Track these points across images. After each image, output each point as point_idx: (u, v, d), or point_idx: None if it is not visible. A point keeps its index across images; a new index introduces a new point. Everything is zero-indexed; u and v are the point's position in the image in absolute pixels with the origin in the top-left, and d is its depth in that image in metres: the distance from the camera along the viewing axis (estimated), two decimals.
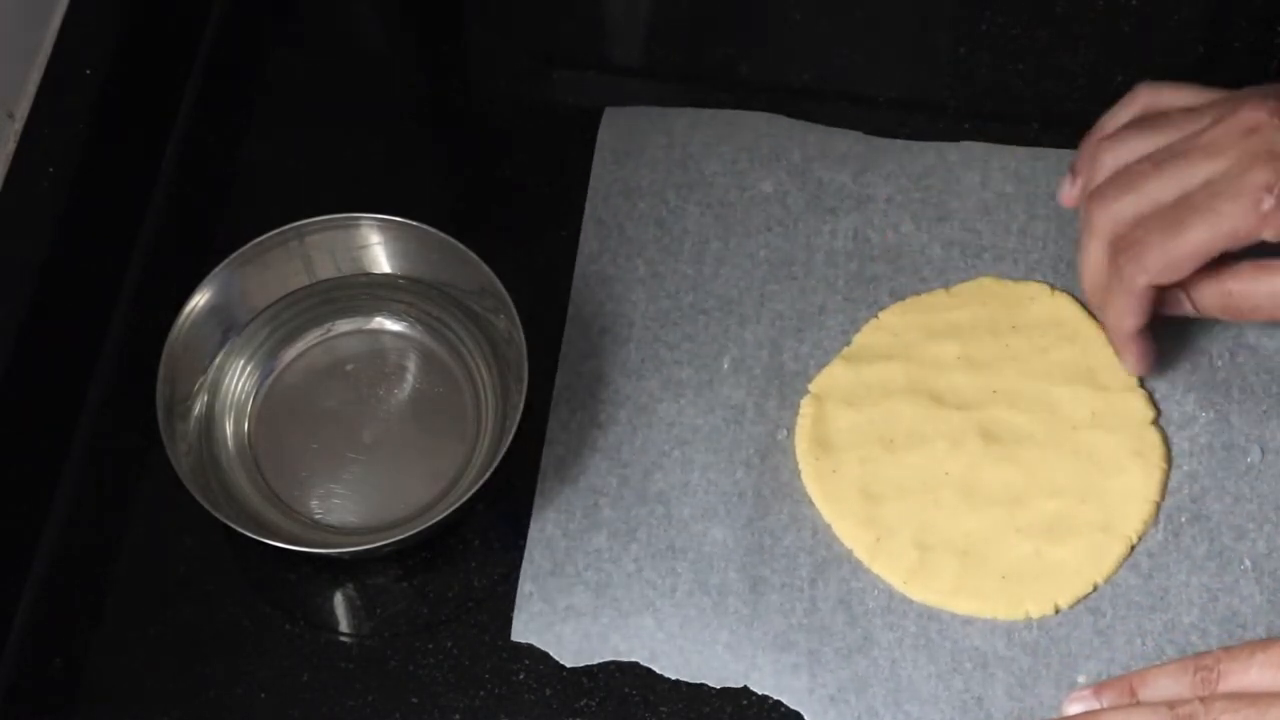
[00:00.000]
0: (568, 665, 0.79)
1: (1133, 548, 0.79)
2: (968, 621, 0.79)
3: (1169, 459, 0.81)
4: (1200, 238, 0.75)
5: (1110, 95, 0.89)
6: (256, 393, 0.84)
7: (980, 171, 0.87)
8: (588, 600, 0.79)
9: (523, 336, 0.80)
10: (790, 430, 0.82)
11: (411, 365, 0.84)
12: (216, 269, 0.82)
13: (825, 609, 0.79)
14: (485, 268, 0.81)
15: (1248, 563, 0.79)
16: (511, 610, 0.80)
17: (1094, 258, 0.79)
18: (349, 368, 0.84)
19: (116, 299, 0.87)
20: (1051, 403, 0.82)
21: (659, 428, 0.83)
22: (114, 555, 0.82)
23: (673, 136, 0.89)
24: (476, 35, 0.95)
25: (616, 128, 0.89)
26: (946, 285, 0.85)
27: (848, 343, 0.84)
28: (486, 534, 0.82)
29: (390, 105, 0.92)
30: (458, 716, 0.78)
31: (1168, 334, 0.81)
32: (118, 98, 0.87)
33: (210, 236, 0.87)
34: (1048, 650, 0.78)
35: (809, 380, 0.83)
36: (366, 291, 0.85)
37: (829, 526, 0.81)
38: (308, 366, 0.84)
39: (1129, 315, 0.79)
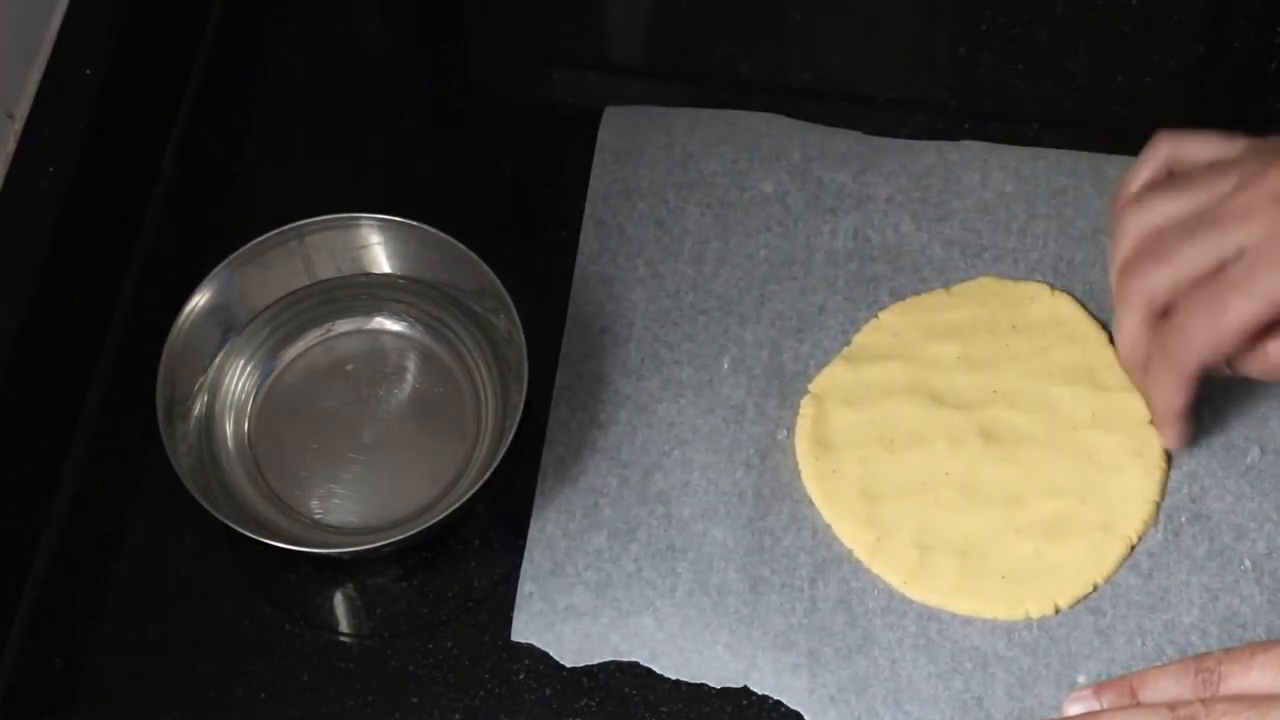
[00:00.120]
0: (568, 665, 0.79)
1: (1133, 548, 0.79)
2: (968, 621, 0.79)
3: (1169, 459, 0.81)
4: (1244, 314, 0.74)
5: (1110, 95, 0.89)
6: (256, 393, 0.84)
7: (980, 171, 0.87)
8: (588, 600, 0.79)
9: (523, 336, 0.80)
10: (790, 430, 0.82)
11: (411, 365, 0.84)
12: (216, 269, 0.82)
13: (825, 609, 0.79)
14: (485, 268, 0.82)
15: (1248, 563, 0.79)
16: (511, 610, 0.80)
17: (1131, 332, 0.78)
18: (349, 368, 0.84)
19: (116, 299, 0.87)
20: (1051, 403, 0.82)
21: (659, 428, 0.83)
22: (114, 555, 0.82)
23: (673, 136, 0.89)
24: (476, 35, 0.95)
25: (616, 128, 0.89)
26: (946, 285, 0.85)
27: (848, 343, 0.84)
28: (486, 534, 0.82)
29: (390, 105, 0.92)
30: (458, 716, 0.78)
31: None
32: (118, 98, 0.87)
33: (210, 236, 0.87)
34: (1048, 650, 0.78)
35: (809, 380, 0.83)
36: (366, 291, 0.85)
37: (829, 526, 0.81)
38: (308, 366, 0.84)
39: (1178, 396, 0.78)
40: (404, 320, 0.85)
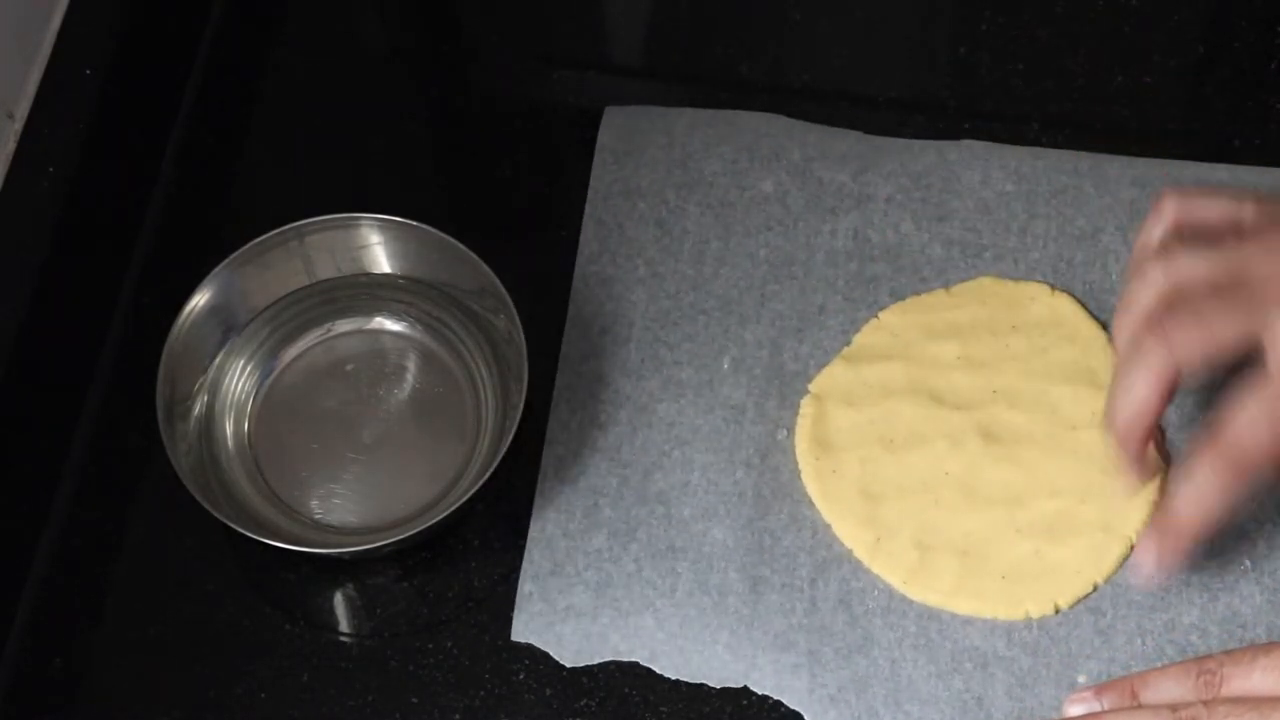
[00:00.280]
0: (568, 665, 0.79)
1: (1133, 547, 0.79)
2: (968, 621, 0.79)
3: (1169, 459, 0.81)
4: None
5: (1110, 95, 0.89)
6: (256, 393, 0.84)
7: (980, 170, 0.87)
8: (588, 600, 0.79)
9: (523, 336, 0.80)
10: (790, 430, 0.82)
11: (411, 365, 0.84)
12: (216, 269, 0.82)
13: (825, 609, 0.79)
14: (485, 268, 0.82)
15: (1248, 563, 0.79)
16: (511, 610, 0.80)
17: (1142, 393, 0.74)
18: (349, 368, 0.84)
19: (116, 299, 0.87)
20: (1051, 403, 0.82)
21: (659, 428, 0.83)
22: (114, 555, 0.82)
23: (673, 136, 0.89)
24: (476, 35, 0.95)
25: (616, 128, 0.89)
26: (946, 285, 0.85)
27: (848, 343, 0.84)
28: (486, 534, 0.82)
29: (390, 105, 0.92)
30: (458, 716, 0.78)
31: None
32: (118, 98, 0.87)
33: (210, 236, 0.87)
34: (1048, 650, 0.78)
35: (809, 380, 0.83)
36: (366, 291, 0.85)
37: (829, 526, 0.81)
38: (308, 366, 0.84)
39: (1222, 496, 0.74)
40: (404, 320, 0.85)
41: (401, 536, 0.78)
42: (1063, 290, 0.84)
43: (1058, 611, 0.79)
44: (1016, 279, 0.85)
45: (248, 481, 0.82)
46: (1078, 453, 0.81)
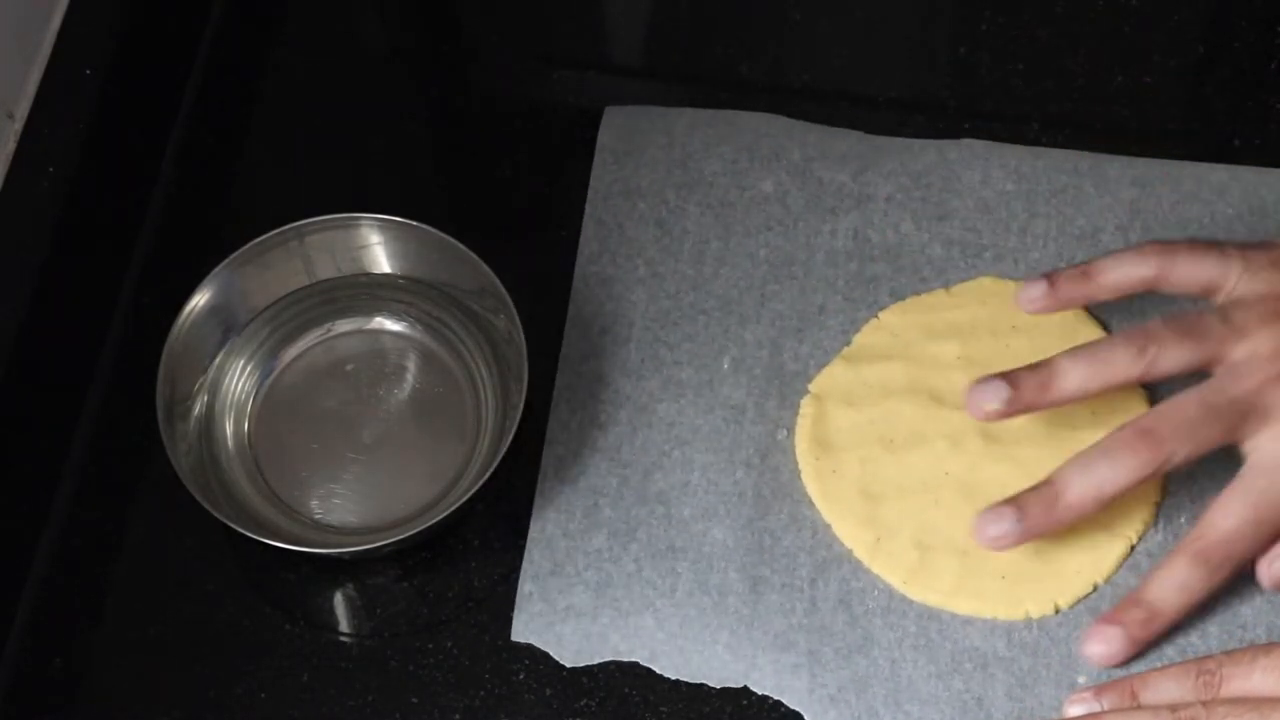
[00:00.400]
0: (568, 665, 0.79)
1: (1133, 548, 0.79)
2: (968, 621, 0.79)
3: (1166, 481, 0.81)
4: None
5: (1110, 95, 0.89)
6: (256, 393, 0.84)
7: (981, 170, 0.87)
8: (588, 600, 0.79)
9: (523, 336, 0.80)
10: (790, 430, 0.82)
11: (411, 365, 0.84)
12: (216, 269, 0.82)
13: (825, 609, 0.79)
14: (485, 268, 0.82)
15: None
16: (511, 610, 0.80)
17: (1122, 480, 0.76)
18: (349, 368, 0.84)
19: (116, 299, 0.87)
20: None
21: (659, 428, 0.83)
22: (114, 555, 0.82)
23: (673, 136, 0.89)
24: (476, 35, 0.95)
25: (616, 128, 0.89)
26: (946, 285, 0.85)
27: (848, 343, 0.84)
28: (486, 534, 0.82)
29: (390, 105, 0.92)
30: (458, 716, 0.78)
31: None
32: (118, 98, 0.87)
33: (210, 236, 0.87)
34: (1048, 650, 0.78)
35: (809, 380, 0.83)
36: (366, 291, 0.85)
37: (829, 526, 0.81)
38: (308, 366, 0.84)
39: (1214, 579, 0.77)
40: (404, 320, 0.85)
41: (401, 536, 0.78)
42: None
43: (1058, 611, 0.79)
44: (1016, 279, 0.85)
45: (248, 481, 0.82)
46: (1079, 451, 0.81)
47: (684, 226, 0.87)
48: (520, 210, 0.89)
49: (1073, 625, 0.78)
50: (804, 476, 0.81)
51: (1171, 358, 0.76)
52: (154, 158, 0.90)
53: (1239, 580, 0.78)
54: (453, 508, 0.78)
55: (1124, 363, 0.76)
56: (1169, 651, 0.77)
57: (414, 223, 0.83)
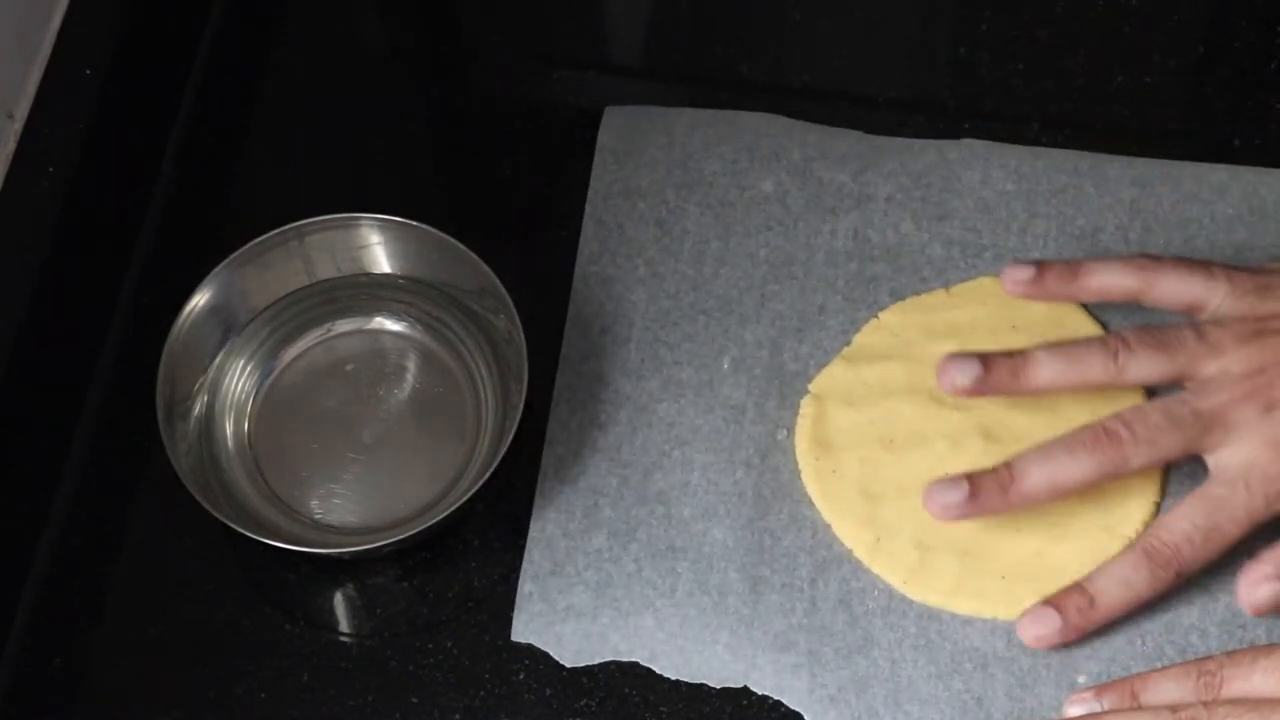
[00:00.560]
0: (568, 665, 0.79)
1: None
2: (968, 621, 0.79)
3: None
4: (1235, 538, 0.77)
5: (1110, 95, 0.89)
6: (256, 393, 0.84)
7: (981, 170, 0.87)
8: (588, 600, 0.79)
9: (523, 336, 0.80)
10: (790, 430, 0.82)
11: (411, 365, 0.84)
12: (216, 269, 0.82)
13: (825, 609, 0.79)
14: (485, 268, 0.82)
15: (1247, 563, 0.79)
16: (511, 610, 0.80)
17: (1077, 475, 0.77)
18: (349, 368, 0.84)
19: (116, 299, 0.87)
20: (1051, 403, 0.82)
21: (659, 428, 0.83)
22: (114, 555, 0.82)
23: (673, 136, 0.89)
24: (476, 35, 0.95)
25: (616, 128, 0.89)
26: (946, 285, 0.85)
27: (848, 343, 0.84)
28: (486, 534, 0.82)
29: (390, 105, 0.92)
30: (458, 716, 0.78)
31: (1152, 319, 0.81)
32: (118, 98, 0.87)
33: (210, 236, 0.87)
34: (1048, 651, 0.78)
35: (809, 380, 0.83)
36: (366, 291, 0.85)
37: (829, 526, 0.81)
38: (308, 366, 0.84)
39: (1162, 581, 0.78)
40: (404, 320, 0.85)
41: (401, 536, 0.78)
42: None
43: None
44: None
45: (248, 481, 0.82)
46: None
47: (684, 226, 0.87)
48: (520, 210, 0.89)
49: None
50: (804, 476, 0.81)
51: (1143, 367, 0.77)
52: (154, 158, 0.90)
53: (1239, 580, 0.78)
54: (453, 508, 0.78)
55: (1096, 365, 0.78)
56: (1169, 652, 0.77)
57: (414, 223, 0.83)
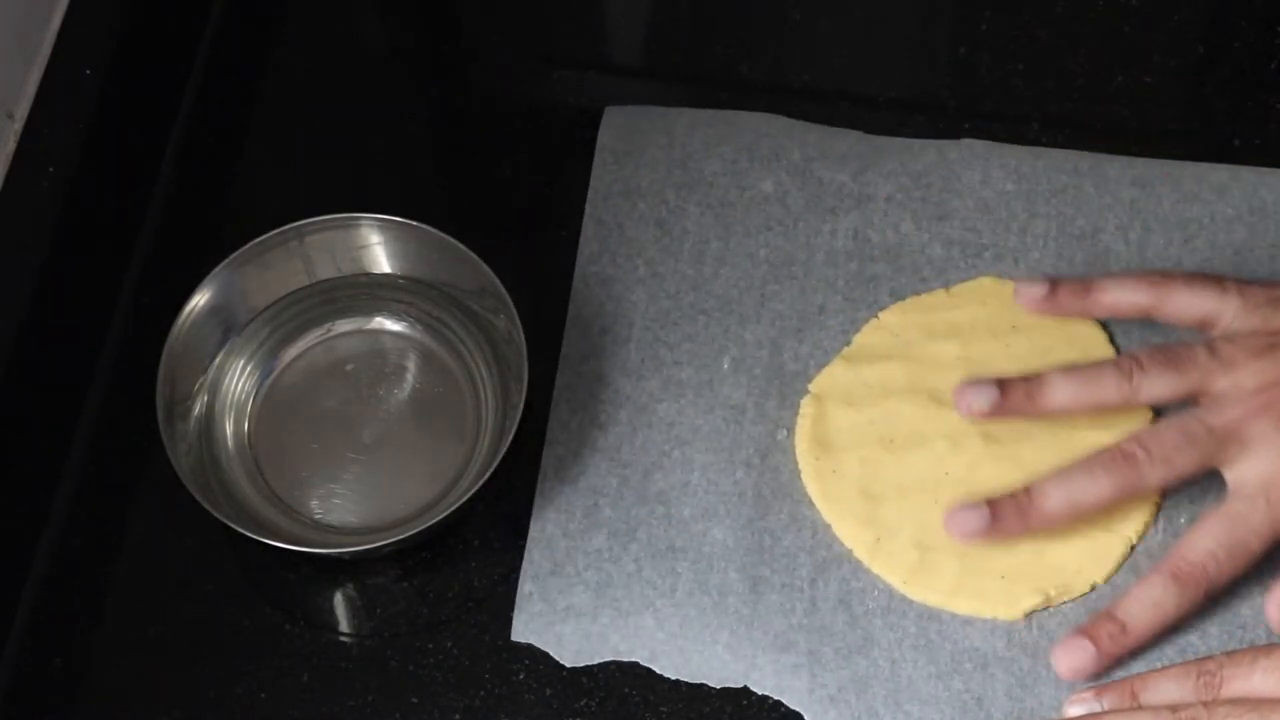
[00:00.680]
0: (568, 665, 0.79)
1: (1133, 548, 0.79)
2: (968, 621, 0.79)
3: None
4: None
5: (1110, 95, 0.89)
6: (256, 393, 0.84)
7: (981, 170, 0.87)
8: (588, 600, 0.79)
9: (523, 336, 0.80)
10: (790, 430, 0.82)
11: (411, 365, 0.84)
12: (216, 269, 0.82)
13: (825, 609, 0.79)
14: (485, 268, 0.82)
15: None
16: (511, 610, 0.80)
17: (1095, 495, 0.77)
18: (349, 368, 0.84)
19: (116, 299, 0.87)
20: None
21: (659, 428, 0.83)
22: (114, 555, 0.82)
23: (673, 136, 0.89)
24: (476, 35, 0.95)
25: (616, 128, 0.89)
26: (946, 285, 0.85)
27: (848, 343, 0.84)
28: (486, 534, 0.82)
29: (390, 105, 0.92)
30: (458, 716, 0.78)
31: (1162, 331, 0.81)
32: (118, 98, 0.87)
33: (210, 236, 0.87)
34: (1048, 650, 0.78)
35: (809, 380, 0.83)
36: (366, 291, 0.85)
37: (829, 526, 0.81)
38: (308, 366, 0.84)
39: (1189, 600, 0.78)
40: (404, 320, 0.85)
41: (401, 536, 0.78)
42: None
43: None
44: (1016, 279, 0.85)
45: (248, 481, 0.82)
46: (1078, 453, 0.80)
47: (684, 226, 0.87)
48: (520, 210, 0.89)
49: (1072, 626, 0.78)
50: (804, 476, 0.81)
51: (1157, 386, 0.78)
52: (154, 158, 0.90)
53: (1239, 581, 0.78)
54: (453, 508, 0.78)
55: (1111, 387, 0.78)
56: (1169, 652, 0.77)
57: (414, 223, 0.83)
